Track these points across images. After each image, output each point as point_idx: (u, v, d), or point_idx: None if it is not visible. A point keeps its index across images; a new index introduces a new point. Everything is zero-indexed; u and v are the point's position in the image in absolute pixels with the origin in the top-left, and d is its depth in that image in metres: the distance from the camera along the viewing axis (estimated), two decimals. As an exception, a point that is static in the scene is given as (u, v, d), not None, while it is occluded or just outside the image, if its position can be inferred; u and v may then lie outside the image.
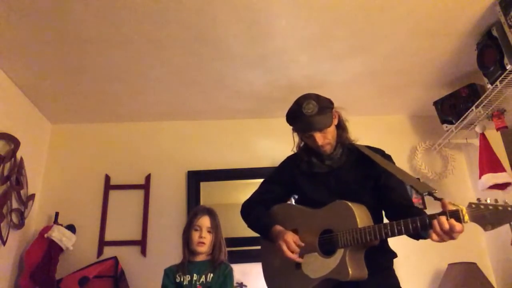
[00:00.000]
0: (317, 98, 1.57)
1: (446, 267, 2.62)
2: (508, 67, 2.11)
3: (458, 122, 2.70)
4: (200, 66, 2.49)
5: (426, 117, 3.17)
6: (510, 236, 2.51)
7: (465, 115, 2.62)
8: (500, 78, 2.20)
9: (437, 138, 3.01)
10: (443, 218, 1.23)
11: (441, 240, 1.25)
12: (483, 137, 2.67)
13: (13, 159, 2.45)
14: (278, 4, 2.03)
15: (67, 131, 3.08)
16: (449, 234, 1.23)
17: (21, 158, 2.55)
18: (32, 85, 2.59)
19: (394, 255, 1.61)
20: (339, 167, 1.62)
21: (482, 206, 1.21)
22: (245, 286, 2.63)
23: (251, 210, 1.76)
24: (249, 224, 1.76)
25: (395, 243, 1.62)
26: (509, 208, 1.18)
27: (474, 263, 2.59)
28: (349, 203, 1.45)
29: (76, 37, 2.17)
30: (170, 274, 1.92)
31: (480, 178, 2.59)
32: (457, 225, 1.21)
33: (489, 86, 2.31)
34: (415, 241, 1.47)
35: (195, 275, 1.88)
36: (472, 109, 2.55)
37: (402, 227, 1.32)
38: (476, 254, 2.78)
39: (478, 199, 1.23)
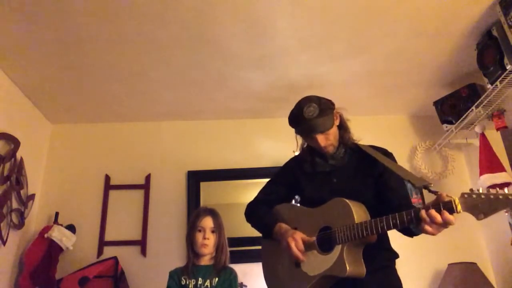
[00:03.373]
0: (318, 100, 1.59)
1: (446, 267, 2.62)
2: (508, 67, 2.11)
3: (458, 122, 2.70)
4: (200, 66, 2.49)
5: (426, 117, 3.18)
6: (510, 236, 2.52)
7: (465, 115, 2.62)
8: (500, 78, 2.20)
9: (437, 138, 3.01)
10: (434, 212, 1.23)
11: (434, 232, 1.26)
12: (483, 137, 2.67)
13: (13, 159, 2.45)
14: (278, 4, 2.03)
15: (67, 131, 3.08)
16: (443, 226, 1.25)
17: (21, 158, 2.55)
18: (32, 85, 2.59)
19: (395, 255, 1.60)
20: (342, 166, 1.64)
21: (474, 196, 1.22)
22: (245, 286, 2.63)
23: (255, 210, 1.78)
24: (253, 224, 1.78)
25: (395, 243, 1.62)
26: (501, 196, 1.18)
27: (474, 263, 2.59)
28: (347, 200, 1.47)
29: (76, 37, 2.17)
30: (175, 276, 1.91)
31: (480, 178, 2.59)
32: (450, 219, 1.22)
33: (489, 86, 2.31)
34: (415, 241, 1.47)
35: (200, 279, 1.88)
36: (472, 109, 2.55)
37: (398, 220, 1.33)
38: (476, 254, 2.78)
39: (471, 189, 1.24)
